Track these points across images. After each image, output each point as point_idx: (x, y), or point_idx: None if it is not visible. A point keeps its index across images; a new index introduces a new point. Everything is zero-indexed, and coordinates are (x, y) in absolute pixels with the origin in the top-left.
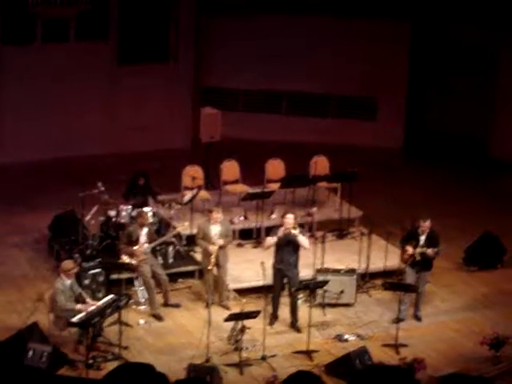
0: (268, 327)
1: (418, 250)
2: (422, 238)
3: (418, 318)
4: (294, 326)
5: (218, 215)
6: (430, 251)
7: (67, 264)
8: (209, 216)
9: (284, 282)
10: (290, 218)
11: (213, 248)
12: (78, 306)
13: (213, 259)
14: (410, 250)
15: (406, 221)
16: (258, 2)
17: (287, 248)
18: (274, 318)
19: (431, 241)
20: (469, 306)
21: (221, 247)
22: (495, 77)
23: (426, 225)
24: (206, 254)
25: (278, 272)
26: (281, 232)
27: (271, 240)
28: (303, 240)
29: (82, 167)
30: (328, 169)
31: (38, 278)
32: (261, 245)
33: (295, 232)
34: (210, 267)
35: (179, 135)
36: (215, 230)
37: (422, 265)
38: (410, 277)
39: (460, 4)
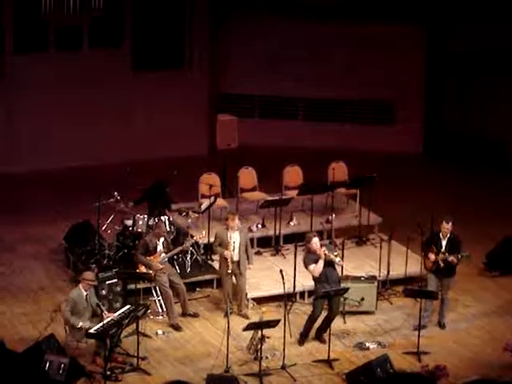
0: (288, 336)
1: (441, 256)
2: (444, 243)
3: (442, 326)
4: (320, 337)
5: (234, 221)
6: (452, 259)
7: (89, 275)
8: (226, 223)
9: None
10: (317, 242)
11: (228, 253)
12: (81, 324)
13: (229, 264)
14: (432, 256)
15: (426, 226)
16: (274, 8)
17: (328, 267)
18: (305, 337)
19: (453, 245)
20: (491, 312)
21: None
22: None
23: (448, 226)
24: (224, 260)
25: (326, 295)
26: (321, 261)
27: (320, 266)
28: (340, 262)
29: (97, 176)
30: (346, 175)
31: (55, 289)
32: (280, 253)
33: (332, 258)
34: (229, 271)
35: (195, 142)
36: (233, 237)
37: (446, 271)
38: (433, 283)
39: (476, 6)
